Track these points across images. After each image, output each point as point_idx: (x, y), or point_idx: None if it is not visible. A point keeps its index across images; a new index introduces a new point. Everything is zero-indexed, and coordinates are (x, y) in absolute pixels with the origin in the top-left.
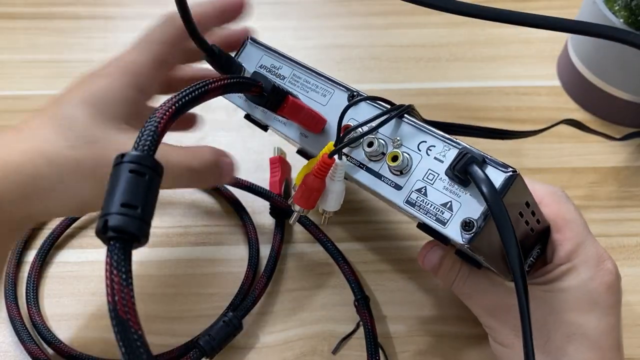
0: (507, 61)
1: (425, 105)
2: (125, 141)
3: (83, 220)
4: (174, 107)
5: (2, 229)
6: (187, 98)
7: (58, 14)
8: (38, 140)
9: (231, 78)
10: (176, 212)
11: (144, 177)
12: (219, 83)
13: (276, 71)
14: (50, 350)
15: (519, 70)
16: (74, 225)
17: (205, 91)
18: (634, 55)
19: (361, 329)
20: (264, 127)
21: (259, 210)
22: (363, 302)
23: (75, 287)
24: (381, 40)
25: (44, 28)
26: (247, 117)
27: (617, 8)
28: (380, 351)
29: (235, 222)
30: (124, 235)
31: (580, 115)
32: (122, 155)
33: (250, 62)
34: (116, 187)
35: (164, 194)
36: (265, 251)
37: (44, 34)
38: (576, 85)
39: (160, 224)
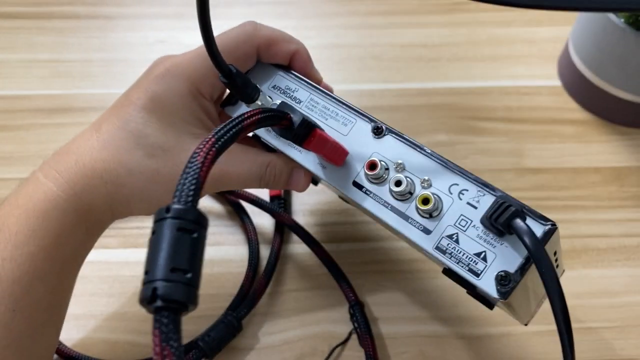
0: (508, 61)
1: (426, 106)
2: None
3: None
4: (213, 150)
5: (91, 230)
6: (225, 138)
7: (57, 13)
8: (114, 148)
9: (264, 112)
10: None
11: (192, 234)
12: (254, 118)
13: (291, 94)
14: None
15: (520, 70)
16: None
17: (241, 128)
18: (634, 55)
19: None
20: (272, 150)
21: (259, 210)
22: (358, 313)
23: (75, 288)
24: (381, 39)
25: (43, 28)
26: (256, 138)
27: None
28: None
29: (235, 223)
30: (174, 305)
31: (581, 115)
32: (167, 210)
33: (262, 81)
34: (162, 247)
35: None
36: (265, 252)
37: (42, 34)
38: (577, 85)
39: None
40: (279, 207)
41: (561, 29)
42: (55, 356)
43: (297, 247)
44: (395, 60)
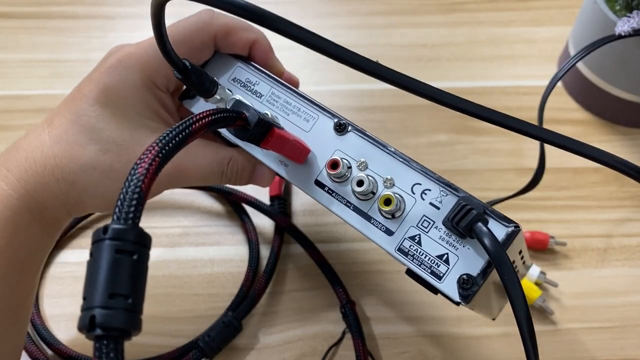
0: (508, 61)
1: (426, 106)
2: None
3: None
4: (157, 160)
5: (48, 229)
6: (170, 146)
7: (57, 13)
8: (66, 143)
9: (215, 114)
10: (176, 212)
11: (132, 256)
12: (203, 122)
13: (252, 87)
14: (49, 351)
15: (520, 70)
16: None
17: (188, 133)
18: (634, 55)
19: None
20: (233, 145)
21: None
22: (349, 312)
23: (74, 287)
24: (381, 39)
25: (43, 27)
26: (216, 133)
27: (617, 8)
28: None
29: (236, 223)
30: (114, 333)
31: (581, 115)
32: (104, 230)
33: (221, 73)
34: (100, 272)
35: (164, 192)
36: (265, 252)
37: (42, 34)
38: (577, 85)
39: (160, 224)
40: (279, 207)
41: (561, 29)
42: (55, 356)
43: (297, 248)
44: (395, 60)
